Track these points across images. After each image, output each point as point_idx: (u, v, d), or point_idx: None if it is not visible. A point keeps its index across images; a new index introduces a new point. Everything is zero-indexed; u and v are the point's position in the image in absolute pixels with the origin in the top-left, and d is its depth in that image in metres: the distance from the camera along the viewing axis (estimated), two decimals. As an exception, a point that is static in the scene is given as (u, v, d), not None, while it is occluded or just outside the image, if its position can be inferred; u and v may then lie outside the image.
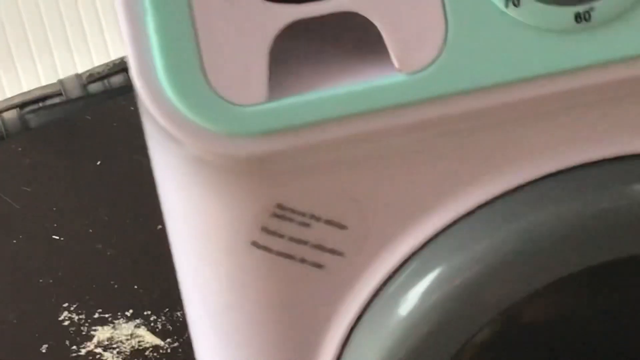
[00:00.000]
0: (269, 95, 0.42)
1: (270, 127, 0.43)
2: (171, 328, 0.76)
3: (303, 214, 0.46)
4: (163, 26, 0.41)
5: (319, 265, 0.47)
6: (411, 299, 0.48)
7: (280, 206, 0.45)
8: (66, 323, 0.78)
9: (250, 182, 0.45)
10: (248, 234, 0.46)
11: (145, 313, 0.78)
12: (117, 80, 0.83)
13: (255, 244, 0.46)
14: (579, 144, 0.47)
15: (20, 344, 0.78)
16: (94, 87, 0.84)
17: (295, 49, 0.46)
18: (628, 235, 0.47)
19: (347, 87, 0.43)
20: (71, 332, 0.78)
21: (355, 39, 0.46)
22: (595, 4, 0.43)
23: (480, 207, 0.47)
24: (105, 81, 0.84)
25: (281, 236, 0.46)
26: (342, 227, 0.46)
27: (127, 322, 0.78)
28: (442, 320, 0.47)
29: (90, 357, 0.77)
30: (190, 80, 0.42)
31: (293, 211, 0.46)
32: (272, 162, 0.44)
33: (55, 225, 0.80)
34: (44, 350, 0.78)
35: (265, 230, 0.46)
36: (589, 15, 0.43)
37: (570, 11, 0.43)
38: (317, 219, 0.46)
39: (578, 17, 0.43)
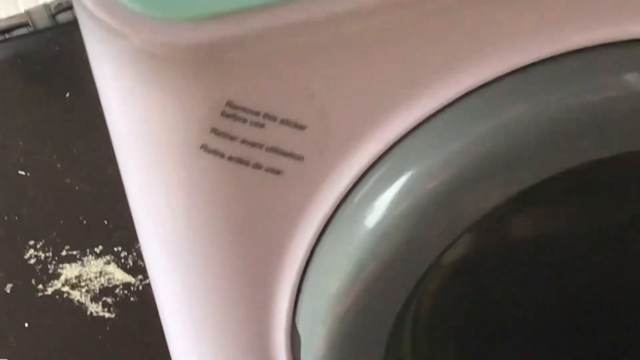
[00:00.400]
0: None
1: (215, 11, 0.38)
2: (143, 264, 0.72)
3: (256, 113, 0.41)
4: None
5: (276, 171, 0.43)
6: (379, 208, 0.43)
7: (230, 104, 0.41)
8: (32, 261, 0.74)
9: (196, 77, 0.41)
10: (197, 136, 0.42)
11: (115, 249, 0.74)
12: (87, 9, 0.79)
13: (205, 147, 0.42)
14: (558, 29, 0.42)
15: (-16, 283, 0.74)
16: (63, 17, 0.80)
17: None
18: (614, 132, 0.42)
19: None
20: (37, 270, 0.74)
21: None
22: None
23: (453, 103, 0.43)
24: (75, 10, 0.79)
25: (233, 138, 0.42)
26: (299, 127, 0.42)
27: (96, 259, 0.74)
28: (413, 229, 0.43)
29: (58, 296, 0.73)
30: None
31: (245, 110, 0.41)
32: (219, 51, 0.40)
33: (21, 160, 0.76)
34: (8, 290, 0.74)
35: (215, 131, 0.42)
36: None
37: None
38: (272, 118, 0.42)
39: None
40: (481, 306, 0.53)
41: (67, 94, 0.79)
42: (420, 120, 0.43)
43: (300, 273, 0.46)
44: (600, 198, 0.51)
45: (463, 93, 0.42)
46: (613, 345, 0.55)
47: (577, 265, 0.53)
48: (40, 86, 0.80)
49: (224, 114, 0.41)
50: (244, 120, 0.41)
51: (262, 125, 0.42)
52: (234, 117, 0.41)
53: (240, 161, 0.42)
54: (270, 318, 0.47)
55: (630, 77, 0.42)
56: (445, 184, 0.43)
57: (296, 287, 0.46)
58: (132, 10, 0.39)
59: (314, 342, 0.45)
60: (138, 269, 0.73)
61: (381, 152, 0.43)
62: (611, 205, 0.51)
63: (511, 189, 0.43)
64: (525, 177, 0.42)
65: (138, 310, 0.71)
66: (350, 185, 0.44)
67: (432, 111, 0.43)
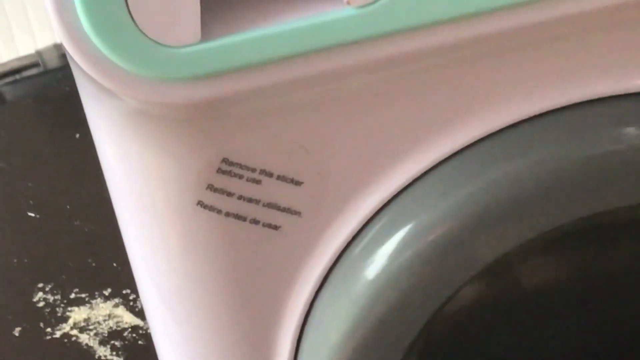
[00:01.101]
0: (202, 35, 0.38)
1: (206, 70, 0.38)
2: (151, 307, 0.72)
3: (252, 169, 0.41)
4: None
5: (274, 227, 0.43)
6: (378, 261, 0.43)
7: (226, 161, 0.41)
8: (41, 304, 0.74)
9: (192, 135, 0.40)
10: (193, 193, 0.41)
11: (124, 292, 0.74)
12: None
13: (201, 204, 0.42)
14: (561, 83, 0.42)
15: (-8, 327, 0.74)
16: (74, 57, 0.80)
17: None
18: (621, 183, 0.42)
19: (291, 24, 0.38)
20: (46, 313, 0.74)
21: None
22: None
23: (451, 156, 0.42)
24: (86, 50, 0.80)
25: (230, 195, 0.42)
26: (296, 182, 0.42)
27: (104, 301, 0.74)
28: (414, 281, 0.43)
29: (66, 340, 0.73)
30: (115, 22, 0.37)
31: (241, 166, 0.41)
32: (213, 109, 0.40)
33: (30, 202, 0.76)
34: (16, 334, 0.74)
35: (212, 188, 0.41)
36: None
37: None
38: (269, 174, 0.41)
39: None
40: (486, 354, 0.52)
41: (77, 135, 0.79)
42: (419, 173, 0.42)
43: (300, 326, 0.45)
44: (607, 247, 0.51)
45: (461, 147, 0.42)
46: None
47: (584, 314, 0.52)
48: (50, 127, 0.80)
49: (219, 171, 0.41)
50: (240, 177, 0.41)
51: (258, 182, 0.41)
52: (230, 173, 0.41)
53: (238, 217, 0.42)
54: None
55: (631, 131, 0.42)
56: (445, 235, 0.42)
57: (296, 340, 0.46)
58: (125, 70, 0.38)
59: None
60: (146, 311, 0.73)
61: (380, 206, 0.43)
62: (618, 254, 0.51)
63: (511, 240, 0.42)
64: (526, 229, 0.42)
65: (146, 354, 0.71)
66: (349, 239, 0.43)
67: (431, 165, 0.42)
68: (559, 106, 0.42)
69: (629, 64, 0.42)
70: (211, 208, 0.42)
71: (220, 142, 0.41)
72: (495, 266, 0.43)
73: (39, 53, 0.80)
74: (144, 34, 0.38)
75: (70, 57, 0.39)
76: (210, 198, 0.42)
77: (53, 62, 0.80)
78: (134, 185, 0.43)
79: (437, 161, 0.43)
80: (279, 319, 0.45)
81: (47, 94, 0.79)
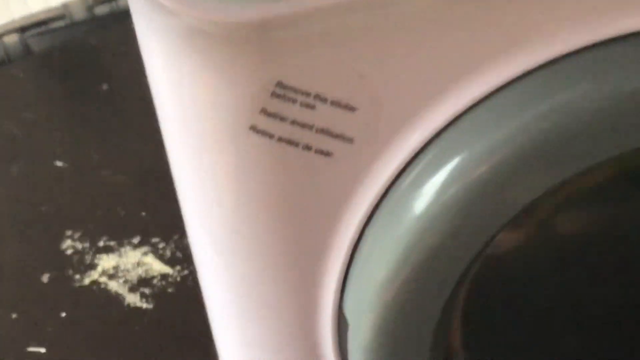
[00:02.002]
0: None
1: None
2: (181, 255, 0.72)
3: (307, 94, 0.41)
4: None
5: (326, 153, 0.42)
6: (427, 193, 0.43)
7: (281, 84, 0.41)
8: (69, 252, 0.74)
9: (246, 56, 0.40)
10: (246, 116, 0.41)
11: (153, 240, 0.74)
12: (125, 1, 0.79)
13: (254, 128, 0.41)
14: (609, 14, 0.42)
15: (21, 273, 0.74)
16: (101, 10, 0.80)
17: None
18: None
19: None
20: (74, 261, 0.74)
21: None
22: None
23: (502, 87, 0.42)
24: (113, 3, 0.80)
25: (283, 119, 0.41)
26: (350, 108, 0.41)
27: (133, 249, 0.73)
28: (461, 216, 0.42)
29: (95, 287, 0.73)
30: None
31: (295, 90, 0.41)
32: (270, 30, 0.39)
33: (58, 151, 0.76)
34: (45, 280, 0.74)
35: (265, 112, 0.41)
36: None
37: None
38: (323, 99, 0.41)
39: None
40: (526, 299, 0.52)
41: (104, 86, 0.79)
42: (470, 104, 0.42)
43: (348, 258, 0.45)
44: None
45: (512, 79, 0.42)
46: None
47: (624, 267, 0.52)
48: (77, 79, 0.80)
49: (274, 95, 0.41)
50: (294, 101, 0.41)
51: (312, 107, 0.41)
52: (284, 97, 0.41)
53: (290, 142, 0.42)
54: (317, 303, 0.46)
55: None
56: (493, 170, 0.42)
57: (344, 272, 0.45)
58: None
59: (361, 329, 0.45)
60: (176, 259, 0.73)
61: (431, 136, 0.43)
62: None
63: (561, 174, 0.42)
64: (578, 161, 0.42)
65: (176, 302, 0.71)
66: (400, 169, 0.43)
67: (482, 96, 0.42)
68: (611, 36, 0.42)
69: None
70: (264, 133, 0.41)
71: (275, 64, 0.40)
72: (538, 207, 0.43)
73: (65, 6, 0.80)
74: None
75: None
76: (264, 122, 0.41)
77: (79, 14, 0.80)
78: (186, 109, 0.42)
79: (489, 92, 0.42)
80: (328, 248, 0.45)
81: (73, 46, 0.79)
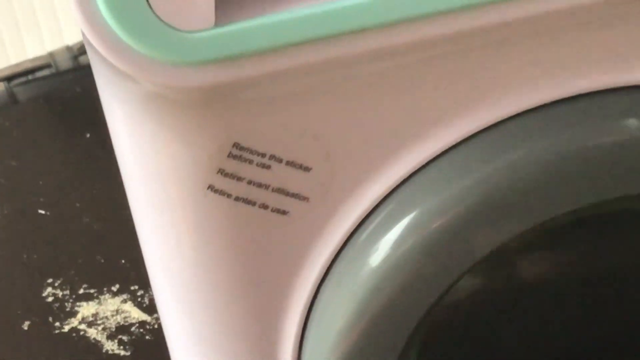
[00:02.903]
0: (217, 20, 0.39)
1: (219, 54, 0.39)
2: (159, 303, 0.73)
3: (262, 155, 0.42)
4: None
5: (282, 212, 0.44)
6: (382, 248, 0.44)
7: (237, 145, 0.42)
8: (50, 299, 0.75)
9: (204, 119, 0.41)
10: (204, 177, 0.43)
11: (132, 288, 0.75)
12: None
13: (212, 187, 0.43)
14: (562, 75, 0.43)
15: (1, 320, 0.75)
16: (85, 59, 0.81)
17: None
18: (621, 173, 0.43)
19: (303, 10, 0.39)
20: (55, 308, 0.75)
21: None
22: None
23: (456, 145, 0.43)
24: (97, 53, 0.81)
25: (240, 179, 0.43)
26: (305, 168, 0.43)
27: (113, 297, 0.75)
28: (417, 268, 0.44)
29: (74, 334, 0.74)
30: (132, 8, 0.39)
31: (251, 151, 0.42)
32: (225, 94, 0.41)
33: (41, 199, 0.77)
34: (25, 327, 0.75)
35: (222, 172, 0.42)
36: None
37: None
38: (278, 159, 0.42)
39: None
40: (485, 346, 0.53)
41: (88, 135, 0.80)
42: (425, 161, 0.43)
43: (306, 311, 0.46)
44: (606, 239, 0.52)
45: (467, 136, 0.43)
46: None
47: (584, 308, 0.53)
48: (61, 127, 0.81)
49: (230, 155, 0.42)
50: (251, 162, 0.42)
51: (268, 167, 0.42)
52: (240, 158, 0.42)
53: (247, 201, 0.43)
54: (276, 355, 0.47)
55: (632, 123, 0.43)
56: (448, 223, 0.43)
57: (302, 324, 0.46)
58: (141, 54, 0.39)
59: None
60: (154, 307, 0.74)
61: (386, 193, 0.44)
62: (617, 246, 0.52)
63: (514, 228, 0.43)
64: (528, 217, 0.43)
65: (153, 348, 0.72)
66: (356, 225, 0.44)
67: (437, 153, 0.44)
68: (561, 97, 0.44)
69: (632, 57, 0.43)
70: (222, 192, 0.43)
71: (231, 126, 0.42)
72: (496, 256, 0.44)
73: (51, 55, 0.82)
74: (160, 19, 0.39)
75: (89, 43, 0.40)
76: (221, 182, 0.43)
77: (65, 63, 0.81)
78: (146, 169, 0.44)
79: (443, 149, 0.44)
80: (286, 304, 0.46)
81: (58, 94, 0.80)
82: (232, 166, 0.42)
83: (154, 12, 0.39)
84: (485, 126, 0.43)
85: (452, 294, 0.46)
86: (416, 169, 0.44)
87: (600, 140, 0.43)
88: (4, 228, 0.78)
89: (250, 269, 0.45)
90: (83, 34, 0.40)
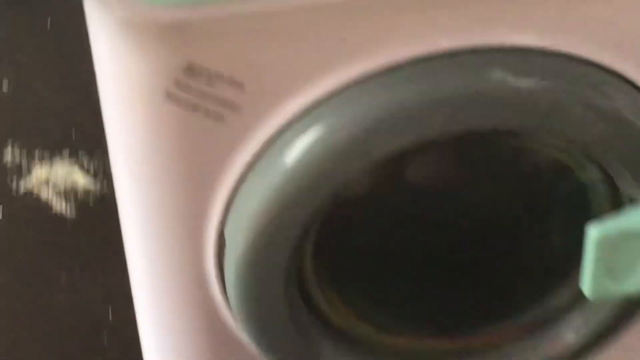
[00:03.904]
0: None
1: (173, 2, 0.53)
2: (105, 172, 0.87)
3: (209, 71, 0.56)
4: None
5: (220, 118, 0.57)
6: (295, 150, 0.58)
7: (190, 63, 0.55)
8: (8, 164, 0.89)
9: (167, 43, 0.55)
10: (164, 84, 0.56)
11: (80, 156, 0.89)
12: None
13: (169, 94, 0.56)
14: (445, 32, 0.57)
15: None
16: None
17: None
18: (471, 110, 0.58)
19: None
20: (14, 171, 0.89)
21: None
22: None
23: (358, 81, 0.58)
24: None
25: (189, 89, 0.56)
26: (240, 84, 0.56)
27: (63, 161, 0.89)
28: (320, 166, 0.58)
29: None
30: None
31: (201, 68, 0.56)
32: (184, 26, 0.54)
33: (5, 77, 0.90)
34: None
35: (178, 83, 0.56)
36: None
37: None
38: (221, 76, 0.56)
39: None
40: (372, 242, 0.68)
41: (49, 20, 0.92)
42: (328, 93, 0.58)
43: (231, 193, 0.61)
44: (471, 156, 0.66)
45: (364, 75, 0.57)
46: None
47: (455, 215, 0.68)
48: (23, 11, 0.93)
49: (186, 71, 0.56)
50: (200, 75, 0.56)
51: (212, 81, 0.56)
52: (192, 73, 0.56)
53: (195, 107, 0.57)
54: (205, 226, 0.62)
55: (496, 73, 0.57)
56: (348, 135, 0.58)
57: (227, 204, 0.61)
58: None
59: (235, 247, 0.61)
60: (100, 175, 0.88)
61: (301, 110, 0.58)
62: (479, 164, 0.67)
63: (398, 142, 0.58)
64: (412, 135, 0.57)
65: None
66: (276, 132, 0.59)
67: (345, 83, 0.58)
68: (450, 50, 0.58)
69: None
70: (176, 100, 0.56)
71: (187, 49, 0.55)
72: (383, 163, 0.59)
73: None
74: None
75: None
76: (177, 91, 0.56)
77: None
78: (119, 80, 0.57)
79: (338, 87, 0.58)
80: (217, 187, 0.61)
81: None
82: (185, 79, 0.56)
83: None
84: (384, 68, 0.57)
85: (344, 195, 0.61)
86: (323, 96, 0.58)
87: (458, 84, 0.58)
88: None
89: (190, 162, 0.59)
90: None
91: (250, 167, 0.60)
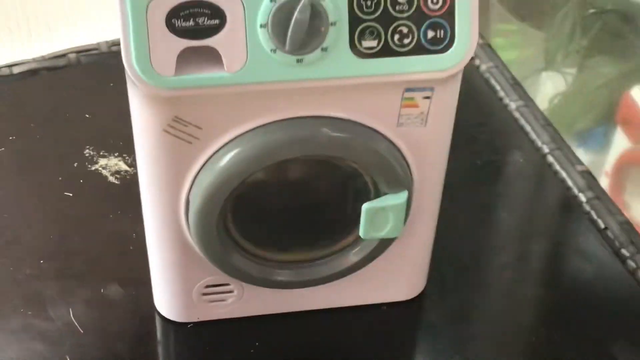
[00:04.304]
0: (175, 73, 1.01)
1: (174, 86, 1.03)
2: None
3: (184, 120, 1.07)
4: (137, 46, 1.03)
5: (189, 142, 0.97)
6: (223, 160, 1.05)
7: (175, 115, 1.06)
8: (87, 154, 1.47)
9: (167, 105, 0.93)
10: (161, 124, 1.00)
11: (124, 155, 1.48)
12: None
13: (163, 129, 1.06)
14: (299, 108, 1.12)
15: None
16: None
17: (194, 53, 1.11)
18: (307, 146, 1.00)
19: (205, 73, 1.06)
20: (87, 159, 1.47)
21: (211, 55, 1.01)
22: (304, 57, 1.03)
23: (262, 125, 1.07)
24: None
25: (174, 128, 1.09)
26: (200, 126, 1.06)
27: (115, 156, 1.47)
28: (228, 175, 1.00)
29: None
30: (147, 68, 0.89)
31: (181, 118, 1.07)
32: (176, 98, 0.92)
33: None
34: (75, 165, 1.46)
35: (168, 124, 1.05)
36: (302, 60, 0.93)
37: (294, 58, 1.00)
38: (190, 122, 1.06)
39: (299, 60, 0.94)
40: (264, 204, 1.08)
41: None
42: (244, 131, 0.97)
43: (194, 177, 0.99)
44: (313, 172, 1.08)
45: (255, 126, 1.01)
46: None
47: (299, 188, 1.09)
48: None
49: (174, 119, 0.98)
50: (179, 121, 0.92)
51: (186, 124, 0.95)
52: (176, 120, 0.96)
53: (176, 136, 0.94)
54: (180, 193, 1.01)
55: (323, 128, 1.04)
56: (249, 154, 0.97)
57: (191, 183, 0.99)
58: (144, 80, 0.93)
59: (194, 204, 0.99)
60: (134, 165, 1.40)
61: (229, 140, 0.96)
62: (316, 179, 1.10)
63: (275, 158, 0.99)
64: (280, 155, 1.00)
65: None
66: (217, 150, 0.97)
67: (248, 129, 0.99)
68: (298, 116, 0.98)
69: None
70: (167, 131, 0.95)
71: (174, 108, 0.93)
72: (268, 167, 1.01)
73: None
74: (155, 70, 0.89)
75: (128, 76, 0.96)
76: (167, 128, 0.95)
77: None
78: (139, 119, 0.95)
79: (253, 127, 0.97)
80: (187, 174, 1.00)
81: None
82: (172, 122, 1.04)
83: (152, 66, 1.06)
84: (268, 122, 0.97)
85: (246, 182, 0.99)
86: (240, 133, 1.08)
87: (304, 133, 0.98)
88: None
89: (173, 161, 0.98)
90: (126, 72, 1.11)
91: (203, 166, 0.96)
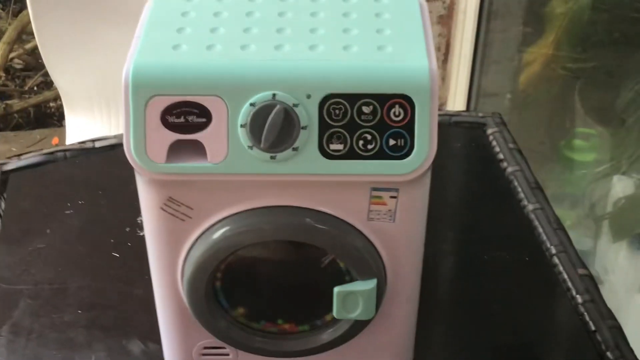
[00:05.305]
0: (166, 161, 1.24)
1: (165, 171, 1.23)
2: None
3: (178, 200, 1.26)
4: (135, 137, 1.23)
5: (183, 219, 1.28)
6: (214, 236, 1.26)
7: (170, 197, 1.27)
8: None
9: (162, 187, 1.23)
10: (159, 203, 1.24)
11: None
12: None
13: (161, 207, 1.27)
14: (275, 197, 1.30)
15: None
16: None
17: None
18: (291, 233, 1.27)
19: (191, 163, 1.26)
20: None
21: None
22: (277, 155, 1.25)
23: (240, 212, 1.28)
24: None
25: (169, 206, 1.28)
26: (191, 207, 1.26)
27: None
28: (216, 249, 1.24)
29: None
30: (142, 155, 1.17)
31: (175, 199, 1.27)
32: (169, 182, 1.23)
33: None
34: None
35: (165, 203, 1.25)
36: (275, 157, 1.21)
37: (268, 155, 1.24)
38: (183, 203, 1.26)
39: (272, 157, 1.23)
40: (250, 274, 1.20)
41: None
42: (230, 214, 1.24)
43: (188, 250, 1.15)
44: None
45: (238, 212, 1.18)
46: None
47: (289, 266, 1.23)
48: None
49: (168, 199, 1.28)
50: (174, 201, 1.23)
51: (180, 204, 1.29)
52: (171, 200, 1.27)
53: (172, 215, 1.13)
54: (178, 262, 1.17)
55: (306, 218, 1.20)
56: (235, 233, 1.15)
57: (186, 255, 1.16)
58: (143, 167, 1.18)
59: (187, 272, 1.14)
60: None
61: (217, 221, 1.13)
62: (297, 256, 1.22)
63: (256, 239, 1.26)
64: (256, 237, 1.20)
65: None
66: (207, 228, 1.13)
67: (235, 212, 1.19)
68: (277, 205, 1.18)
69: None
70: (163, 209, 1.24)
71: (170, 190, 1.12)
72: (246, 250, 1.20)
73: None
74: (150, 159, 1.20)
75: (132, 165, 1.27)
76: (164, 206, 1.23)
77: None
78: (143, 197, 1.27)
79: (238, 211, 1.24)
80: (181, 249, 1.16)
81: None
82: (167, 202, 1.26)
83: (148, 156, 1.25)
84: (255, 208, 1.24)
85: (234, 256, 1.20)
86: (225, 217, 1.28)
87: (289, 220, 1.21)
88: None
89: (170, 236, 1.18)
90: (131, 162, 1.31)
91: (196, 240, 1.13)
